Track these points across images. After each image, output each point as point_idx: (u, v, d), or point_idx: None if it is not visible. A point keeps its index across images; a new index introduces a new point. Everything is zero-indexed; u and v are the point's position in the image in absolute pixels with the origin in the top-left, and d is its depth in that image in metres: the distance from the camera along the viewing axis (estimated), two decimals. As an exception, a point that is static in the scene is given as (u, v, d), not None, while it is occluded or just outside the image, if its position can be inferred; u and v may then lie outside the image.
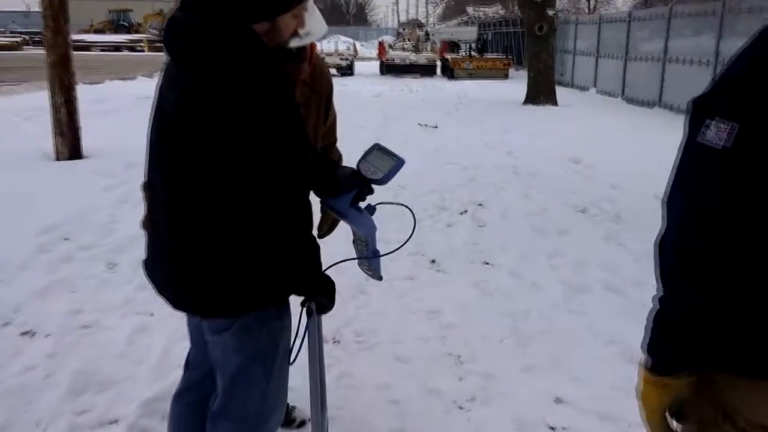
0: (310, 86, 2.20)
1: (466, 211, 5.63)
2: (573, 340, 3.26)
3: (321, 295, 1.77)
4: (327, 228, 2.52)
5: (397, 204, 2.17)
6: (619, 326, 3.40)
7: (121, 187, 6.00)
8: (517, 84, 18.85)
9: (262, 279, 1.61)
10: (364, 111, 12.31)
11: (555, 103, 13.97)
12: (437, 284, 3.98)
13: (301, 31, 1.66)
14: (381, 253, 1.99)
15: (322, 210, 2.12)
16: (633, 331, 3.55)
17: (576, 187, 6.33)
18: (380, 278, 2.07)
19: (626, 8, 34.32)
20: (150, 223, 1.73)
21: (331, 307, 1.82)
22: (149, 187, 1.70)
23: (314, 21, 1.88)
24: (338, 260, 1.98)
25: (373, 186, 1.94)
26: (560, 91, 14.50)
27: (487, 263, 4.37)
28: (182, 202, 1.56)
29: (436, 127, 10.68)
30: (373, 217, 1.97)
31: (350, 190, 1.93)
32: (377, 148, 2.00)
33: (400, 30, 32.11)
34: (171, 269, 1.66)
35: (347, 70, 23.32)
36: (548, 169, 7.23)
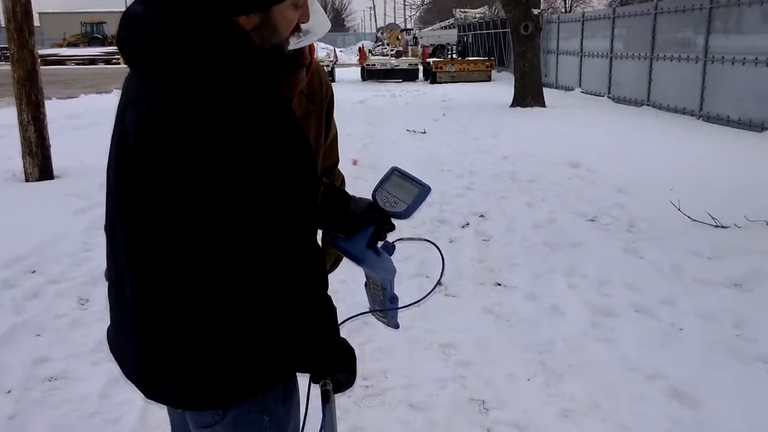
0: (308, 97, 1.81)
1: (468, 224, 5.25)
2: (609, 376, 2.88)
3: (338, 369, 1.37)
4: (330, 263, 2.12)
5: (421, 240, 1.78)
6: (656, 356, 3.04)
7: (94, 209, 5.54)
8: (501, 86, 18.57)
9: (261, 358, 1.21)
10: (350, 118, 11.89)
11: (543, 104, 13.67)
12: (448, 311, 3.58)
13: (302, 27, 1.27)
14: (401, 304, 1.63)
15: (322, 242, 1.73)
16: (672, 360, 3.15)
17: (581, 194, 5.98)
18: (397, 326, 1.69)
19: (602, 7, 34.27)
20: (112, 282, 1.32)
21: (352, 384, 1.42)
22: (109, 237, 1.29)
23: (315, 16, 1.47)
24: (350, 315, 1.60)
25: (394, 221, 1.56)
26: (546, 92, 14.20)
27: (499, 284, 3.99)
28: (151, 262, 1.15)
29: (425, 132, 10.31)
30: (392, 257, 1.59)
31: (366, 227, 1.55)
32: (396, 173, 1.62)
33: (379, 35, 31.72)
34: (141, 349, 1.25)
35: (328, 77, 22.89)
36: (548, 174, 6.87)
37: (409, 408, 2.68)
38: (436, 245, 1.76)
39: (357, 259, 1.54)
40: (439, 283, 1.78)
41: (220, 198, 1.04)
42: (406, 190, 1.61)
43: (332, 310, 1.26)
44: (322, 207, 1.49)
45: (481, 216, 5.46)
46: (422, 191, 1.61)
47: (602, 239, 4.72)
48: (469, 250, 4.60)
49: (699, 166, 6.86)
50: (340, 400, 2.67)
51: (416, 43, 27.39)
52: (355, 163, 7.84)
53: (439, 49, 26.55)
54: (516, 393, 2.77)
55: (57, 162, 7.13)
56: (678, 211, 4.96)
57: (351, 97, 16.55)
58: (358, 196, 1.60)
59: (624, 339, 3.22)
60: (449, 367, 2.99)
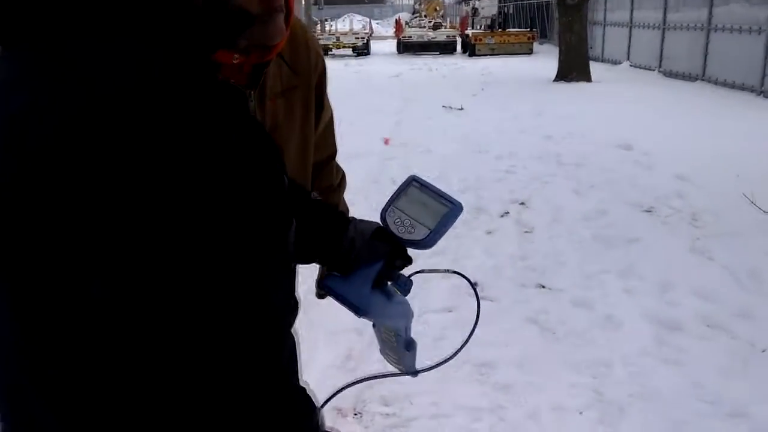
0: (290, 67, 1.33)
1: (507, 213, 4.73)
2: (682, 412, 2.37)
3: None
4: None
5: (449, 272, 1.32)
6: (737, 386, 2.52)
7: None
8: (543, 59, 17.75)
9: None
10: (382, 93, 11.39)
11: (589, 79, 12.91)
12: (484, 319, 3.05)
13: None
14: (425, 367, 1.23)
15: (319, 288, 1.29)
16: (757, 392, 2.47)
17: (635, 180, 5.39)
18: (415, 373, 1.25)
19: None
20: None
21: None
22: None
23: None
24: (350, 383, 1.17)
25: (411, 250, 1.11)
26: (591, 66, 13.41)
27: (543, 286, 3.49)
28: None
29: (462, 109, 9.73)
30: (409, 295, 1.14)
31: (371, 263, 1.10)
32: (415, 185, 1.14)
33: (416, 6, 30.82)
34: None
35: (363, 50, 22.29)
36: (596, 157, 6.28)
37: (437, 447, 2.23)
38: (468, 279, 1.29)
39: (357, 310, 1.08)
40: (473, 331, 1.32)
41: (126, 243, 0.58)
42: (428, 209, 1.14)
43: (310, 410, 0.81)
44: (307, 235, 1.03)
45: (522, 204, 4.93)
46: (452, 211, 1.13)
47: (662, 235, 4.15)
48: (509, 245, 4.09)
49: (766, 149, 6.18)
50: (356, 429, 2.24)
51: (475, 14, 26.25)
52: (386, 142, 7.35)
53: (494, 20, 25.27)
54: (566, 431, 2.29)
55: None
56: (750, 204, 4.36)
57: (386, 71, 15.99)
58: (358, 218, 1.14)
59: (695, 361, 2.70)
60: (486, 393, 2.52)
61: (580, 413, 2.39)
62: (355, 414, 2.42)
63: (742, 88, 11.30)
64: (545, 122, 8.38)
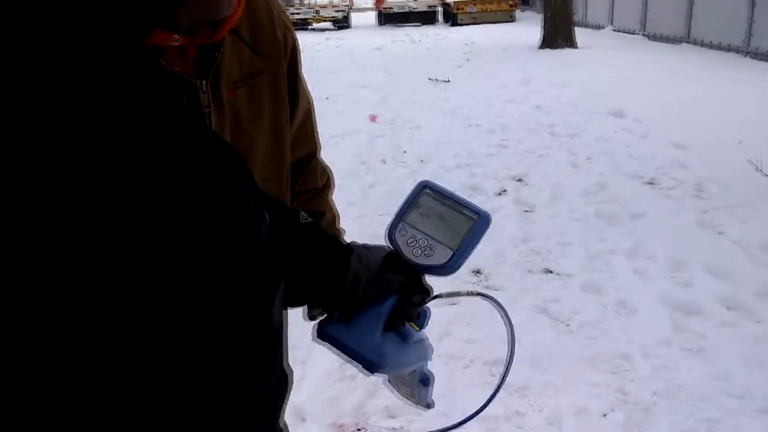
0: (251, 47, 1.10)
1: (504, 191, 4.53)
2: (711, 409, 2.20)
3: None
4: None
5: (473, 295, 1.11)
6: (766, 378, 2.35)
7: None
8: (526, 27, 17.43)
9: None
10: (366, 67, 11.06)
11: (574, 45, 12.65)
12: (491, 312, 2.89)
13: None
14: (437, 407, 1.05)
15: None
16: None
17: (633, 151, 5.19)
18: (429, 406, 1.05)
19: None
20: None
21: None
22: None
23: None
24: None
25: (430, 279, 0.92)
26: (575, 32, 13.14)
27: (550, 271, 3.30)
28: None
29: (448, 81, 9.46)
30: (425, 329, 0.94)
31: (381, 300, 0.88)
32: (428, 192, 0.93)
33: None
34: None
35: (343, 23, 21.78)
36: (590, 127, 6.07)
37: (452, 463, 2.04)
38: (498, 303, 1.09)
39: (368, 364, 0.87)
40: (507, 371, 1.11)
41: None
42: (448, 224, 0.92)
43: None
44: (297, 273, 0.81)
45: (519, 180, 4.72)
46: (478, 224, 0.91)
47: (667, 209, 3.97)
48: (510, 226, 3.89)
49: (766, 114, 6.00)
50: (361, 451, 2.05)
51: None
52: (373, 119, 7.09)
53: None
54: (590, 437, 2.12)
55: None
56: (756, 172, 4.19)
57: (368, 44, 15.60)
58: (363, 243, 0.92)
59: (719, 350, 2.53)
60: (500, 398, 2.30)
61: (604, 416, 2.22)
62: (358, 430, 2.23)
63: (728, 49, 11.10)
64: (534, 91, 8.15)
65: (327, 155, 4.42)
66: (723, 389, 2.31)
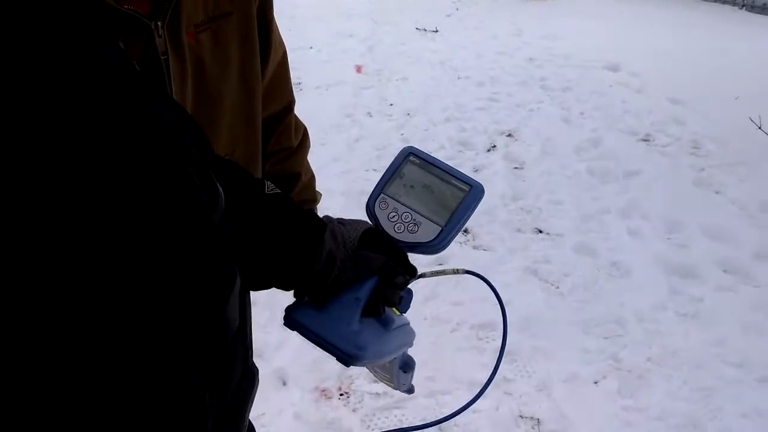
0: None
1: (494, 147, 4.37)
2: (708, 377, 2.12)
3: None
4: None
5: (460, 272, 0.97)
6: (764, 345, 2.27)
7: None
8: (518, -24, 16.93)
9: None
10: (351, 16, 10.67)
11: (567, -5, 12.30)
12: (479, 270, 2.77)
13: None
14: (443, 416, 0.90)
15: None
16: None
17: (627, 105, 5.02)
18: (409, 391, 0.98)
19: None
20: None
21: None
22: None
23: None
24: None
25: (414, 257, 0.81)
26: (570, -18, 12.77)
27: (541, 231, 3.17)
28: None
29: (437, 31, 9.16)
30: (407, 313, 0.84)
31: (359, 284, 0.76)
32: (413, 159, 0.82)
33: None
34: None
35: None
36: (583, 81, 5.88)
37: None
38: (489, 282, 0.97)
39: (343, 357, 0.73)
40: (500, 357, 0.99)
41: None
42: (435, 196, 0.79)
43: None
44: (263, 250, 0.67)
45: (510, 136, 4.55)
46: (469, 196, 0.79)
47: (663, 166, 3.84)
48: (499, 183, 3.74)
49: (763, 68, 5.84)
50: (344, 420, 1.94)
51: None
52: (359, 70, 6.84)
53: None
54: (582, 405, 2.02)
55: None
56: (755, 128, 4.05)
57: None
58: (340, 217, 0.78)
59: (716, 315, 2.44)
60: (487, 364, 2.23)
61: (596, 383, 2.12)
62: (341, 395, 2.12)
63: (724, 1, 10.84)
64: (525, 43, 7.89)
65: (311, 107, 4.20)
66: (720, 356, 2.22)
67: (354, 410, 2.05)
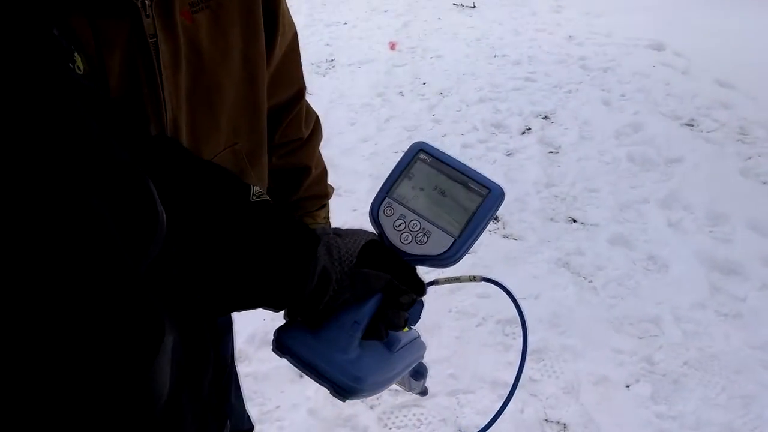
0: None
1: (529, 129, 4.22)
2: (747, 384, 2.00)
3: None
4: None
5: (477, 280, 0.88)
6: (813, 348, 2.12)
7: None
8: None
9: None
10: (387, -10, 10.49)
11: (611, -30, 11.87)
12: (508, 263, 2.68)
13: None
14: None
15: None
16: None
17: (671, 88, 4.80)
18: (422, 393, 0.88)
19: None
20: None
21: None
22: None
23: None
24: None
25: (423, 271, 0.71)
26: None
27: (575, 220, 3.04)
28: None
29: (474, 6, 8.92)
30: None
31: (359, 305, 0.67)
32: (423, 157, 0.72)
33: None
34: None
35: None
36: (626, 61, 5.64)
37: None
38: (507, 290, 0.88)
39: (338, 390, 0.65)
40: (521, 365, 0.90)
41: None
42: (449, 201, 0.70)
43: None
44: (246, 268, 0.59)
45: (546, 118, 4.39)
46: (488, 201, 0.69)
47: (707, 154, 3.65)
48: (533, 168, 3.61)
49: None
50: (360, 417, 1.88)
51: None
52: (392, 47, 6.69)
53: None
54: (612, 411, 1.92)
55: None
56: (808, 115, 3.83)
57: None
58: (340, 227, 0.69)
59: (759, 316, 2.30)
60: (513, 362, 2.13)
61: (627, 387, 2.02)
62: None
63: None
64: (566, 20, 7.62)
65: (342, 86, 4.10)
66: (762, 361, 2.09)
67: (371, 407, 1.98)
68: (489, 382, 2.04)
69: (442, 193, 0.70)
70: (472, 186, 0.70)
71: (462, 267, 0.74)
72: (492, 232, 2.94)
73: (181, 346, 0.41)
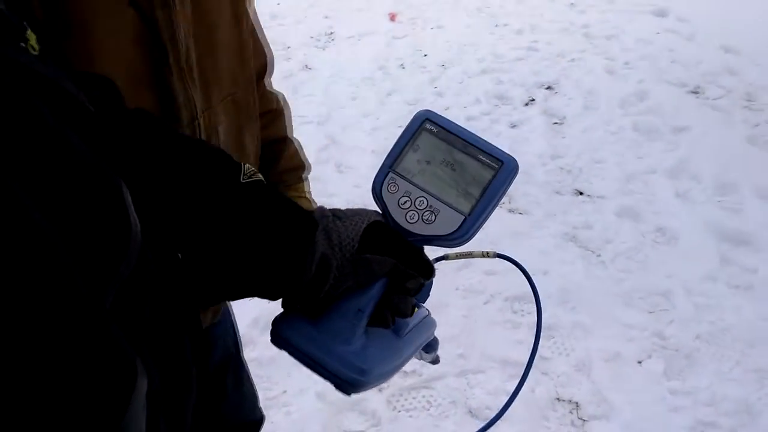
0: None
1: (533, 100, 4.14)
2: (762, 357, 1.97)
3: None
4: None
5: (489, 256, 0.84)
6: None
7: None
8: None
9: None
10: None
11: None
12: (514, 237, 2.64)
13: None
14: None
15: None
16: None
17: (676, 54, 4.71)
18: (434, 362, 0.83)
19: None
20: None
21: None
22: None
23: None
24: None
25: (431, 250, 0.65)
26: None
27: (581, 193, 3.00)
28: None
29: (474, -25, 8.75)
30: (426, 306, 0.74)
31: (361, 291, 0.61)
32: (429, 127, 0.66)
33: None
34: None
35: None
36: (629, 27, 5.53)
37: (468, 416, 1.84)
38: (521, 267, 0.85)
39: (341, 384, 0.61)
40: (536, 344, 0.87)
41: None
42: (458, 175, 0.64)
43: None
44: (238, 253, 0.55)
45: (549, 88, 4.32)
46: (502, 174, 0.65)
47: (714, 121, 3.59)
48: (537, 140, 3.55)
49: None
50: (369, 401, 1.85)
51: None
52: (392, 17, 6.57)
53: None
54: (624, 388, 1.90)
55: None
56: (817, 80, 3.75)
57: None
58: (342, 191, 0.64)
59: (772, 288, 2.26)
60: (522, 340, 2.10)
61: (639, 363, 1.99)
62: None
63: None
64: (567, -13, 7.49)
65: (342, 59, 4.01)
66: (776, 334, 2.06)
67: (380, 390, 1.96)
68: (499, 361, 2.01)
69: (451, 166, 0.65)
70: (483, 158, 0.65)
71: (468, 244, 0.70)
72: (497, 208, 2.90)
73: (157, 377, 0.37)
